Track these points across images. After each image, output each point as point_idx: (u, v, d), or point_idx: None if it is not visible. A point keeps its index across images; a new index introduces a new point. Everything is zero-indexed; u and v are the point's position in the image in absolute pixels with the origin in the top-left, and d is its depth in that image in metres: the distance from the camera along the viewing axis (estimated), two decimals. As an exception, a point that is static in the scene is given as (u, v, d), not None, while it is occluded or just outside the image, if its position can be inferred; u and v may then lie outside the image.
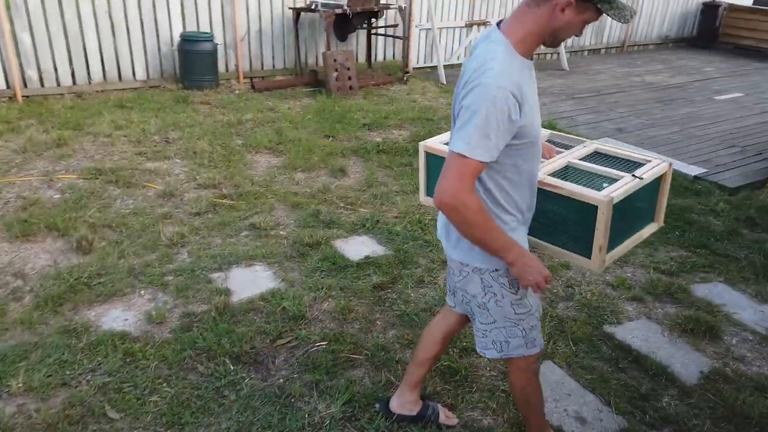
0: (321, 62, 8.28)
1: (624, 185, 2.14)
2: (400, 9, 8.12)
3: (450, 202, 1.69)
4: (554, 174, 2.24)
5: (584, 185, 2.15)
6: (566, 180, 2.19)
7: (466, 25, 9.49)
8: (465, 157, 1.66)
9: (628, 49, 11.78)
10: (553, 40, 1.76)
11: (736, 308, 3.47)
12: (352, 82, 7.55)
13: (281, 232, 4.11)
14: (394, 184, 4.97)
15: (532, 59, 1.82)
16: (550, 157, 2.38)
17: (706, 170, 5.43)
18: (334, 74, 7.42)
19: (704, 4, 12.39)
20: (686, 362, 3.00)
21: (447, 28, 9.34)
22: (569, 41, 10.81)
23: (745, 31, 12.05)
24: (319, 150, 5.58)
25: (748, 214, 4.61)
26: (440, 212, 1.94)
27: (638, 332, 3.23)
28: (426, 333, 2.44)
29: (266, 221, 4.21)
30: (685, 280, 3.72)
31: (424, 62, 9.30)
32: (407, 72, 8.39)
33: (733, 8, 12.16)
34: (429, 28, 9.04)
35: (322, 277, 3.58)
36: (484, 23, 9.60)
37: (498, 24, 1.80)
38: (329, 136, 6.02)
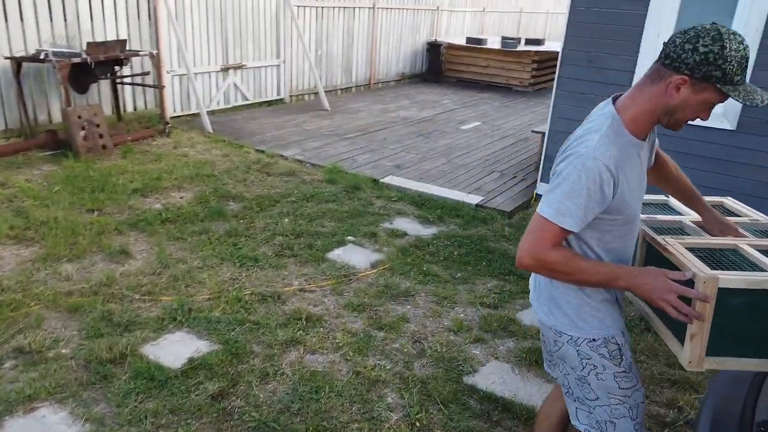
0: (59, 119, 7.00)
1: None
2: (151, 55, 7.32)
3: (531, 263, 1.67)
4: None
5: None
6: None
7: (222, 70, 9.04)
8: (549, 221, 1.64)
9: (374, 86, 12.60)
10: (669, 119, 1.63)
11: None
12: (104, 140, 6.51)
13: (63, 351, 3.20)
14: (194, 259, 4.31)
15: (645, 139, 1.70)
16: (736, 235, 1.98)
17: (483, 197, 5.93)
18: (81, 133, 6.31)
19: (428, 43, 13.94)
20: (544, 396, 3.10)
21: (203, 73, 8.76)
22: (325, 81, 11.11)
23: (463, 65, 13.87)
24: (85, 230, 4.59)
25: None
26: (536, 278, 1.97)
27: (495, 377, 3.24)
28: (542, 420, 2.27)
29: (37, 340, 3.24)
30: (509, 311, 3.91)
31: (182, 110, 8.56)
32: (168, 123, 7.59)
33: (450, 46, 13.91)
34: (183, 74, 8.36)
35: (140, 402, 2.84)
36: (240, 66, 9.27)
37: (615, 98, 1.71)
38: (94, 210, 5.03)
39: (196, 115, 8.53)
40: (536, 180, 6.37)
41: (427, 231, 5.09)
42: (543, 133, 6.59)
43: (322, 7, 10.82)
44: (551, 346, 1.94)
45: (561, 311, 1.85)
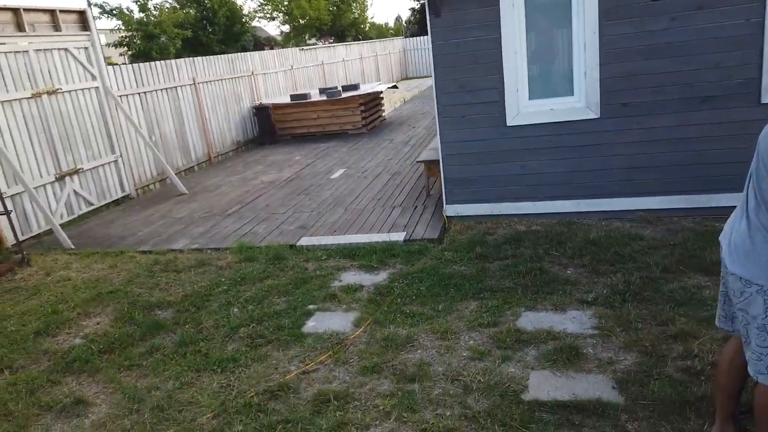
0: None
1: None
2: (-17, 180, 6.23)
3: None
4: None
5: None
6: None
7: (57, 179, 8.01)
8: None
9: (215, 160, 12.13)
10: None
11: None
12: (-44, 290, 5.35)
13: None
14: (165, 381, 3.72)
15: None
16: None
17: (405, 233, 6.03)
18: (-75, 288, 5.11)
19: (254, 108, 13.85)
20: (596, 384, 3.23)
21: (37, 187, 7.66)
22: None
23: (294, 122, 14.01)
24: (8, 394, 3.71)
25: (475, 252, 5.29)
26: (731, 229, 2.23)
27: (545, 385, 3.30)
28: (727, 365, 2.46)
29: None
30: (508, 323, 4.00)
31: (22, 234, 7.37)
32: (23, 252, 6.47)
33: (276, 106, 13.97)
34: (17, 192, 7.25)
35: None
36: (76, 171, 8.31)
37: None
38: (2, 369, 4.09)
39: (42, 236, 7.42)
40: (439, 203, 6.65)
41: (379, 277, 5.02)
42: (432, 161, 6.94)
43: (145, 92, 10.21)
44: (737, 297, 2.19)
45: (755, 263, 2.10)
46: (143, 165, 9.92)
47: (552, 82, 5.76)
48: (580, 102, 5.63)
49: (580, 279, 4.51)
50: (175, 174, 10.42)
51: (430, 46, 5.98)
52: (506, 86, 5.81)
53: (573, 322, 3.92)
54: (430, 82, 9.11)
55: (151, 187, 10.03)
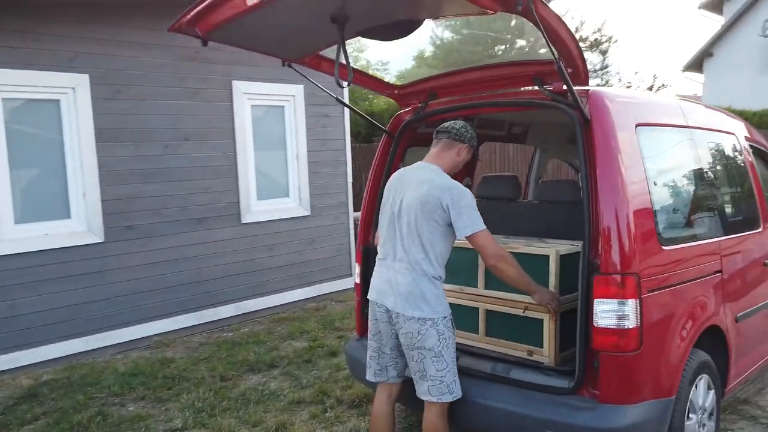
0: None
1: None
2: None
3: (500, 262, 2.58)
4: None
5: None
6: None
7: None
8: (485, 229, 2.55)
9: None
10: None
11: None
12: None
13: None
14: None
15: None
16: None
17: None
18: None
19: None
20: None
21: None
22: None
23: None
24: None
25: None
26: (395, 286, 2.61)
27: None
28: (384, 414, 2.78)
29: None
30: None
31: None
32: None
33: None
34: None
35: None
36: None
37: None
38: None
39: None
40: None
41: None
42: None
43: None
44: (415, 338, 2.51)
45: (427, 302, 2.51)
46: None
47: (46, 204, 4.95)
48: (81, 225, 5.06)
49: (150, 411, 3.92)
50: None
51: None
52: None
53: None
54: None
55: None
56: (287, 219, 6.47)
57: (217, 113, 5.87)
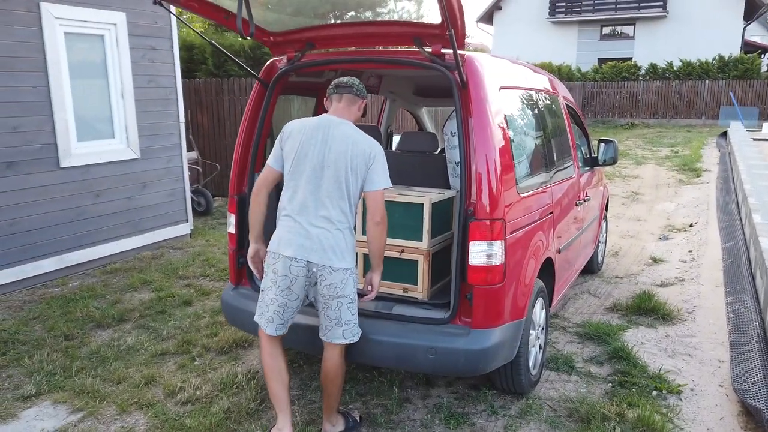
0: None
1: None
2: None
3: (382, 222, 2.75)
4: None
5: None
6: None
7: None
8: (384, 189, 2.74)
9: None
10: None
11: None
12: None
13: None
14: None
15: None
16: None
17: None
18: None
19: None
20: None
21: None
22: None
23: None
24: None
25: None
26: (321, 240, 2.67)
27: None
28: (278, 365, 2.83)
29: None
30: None
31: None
32: None
33: None
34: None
35: None
36: None
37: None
38: None
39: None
40: None
41: None
42: None
43: None
44: (338, 288, 2.66)
45: (350, 253, 2.70)
46: None
47: None
48: None
49: (-9, 380, 3.50)
50: None
51: None
52: None
53: (45, 419, 3.11)
54: None
55: None
56: (114, 162, 5.92)
57: (23, 40, 5.04)
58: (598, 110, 25.08)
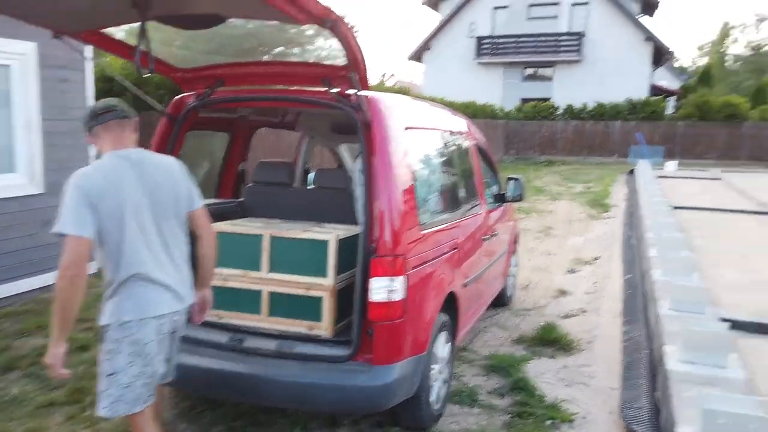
0: None
1: None
2: None
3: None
4: None
5: None
6: None
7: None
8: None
9: None
10: None
11: None
12: None
13: None
14: None
15: None
16: None
17: None
18: None
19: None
20: None
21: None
22: None
23: None
24: None
25: None
26: (182, 284, 2.57)
27: None
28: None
29: None
30: None
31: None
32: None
33: None
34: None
35: None
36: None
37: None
38: None
39: None
40: None
41: None
42: None
43: None
44: (183, 323, 2.67)
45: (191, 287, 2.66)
46: None
47: None
48: None
49: None
50: None
51: None
52: None
53: None
54: None
55: None
56: (14, 198, 5.64)
57: None
58: (520, 147, 26.24)
